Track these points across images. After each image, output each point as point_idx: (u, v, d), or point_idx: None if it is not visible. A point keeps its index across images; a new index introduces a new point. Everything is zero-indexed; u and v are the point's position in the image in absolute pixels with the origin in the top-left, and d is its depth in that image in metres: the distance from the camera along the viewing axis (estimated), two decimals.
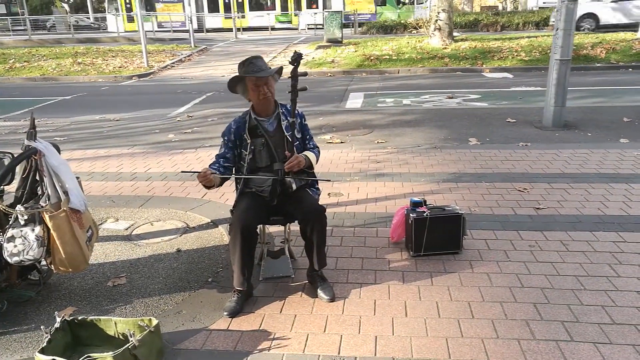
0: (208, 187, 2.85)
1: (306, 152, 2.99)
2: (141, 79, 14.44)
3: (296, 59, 2.79)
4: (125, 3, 29.51)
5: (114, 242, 3.80)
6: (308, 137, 3.12)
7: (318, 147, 3.15)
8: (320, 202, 4.08)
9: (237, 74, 2.88)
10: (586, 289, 2.88)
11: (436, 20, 15.76)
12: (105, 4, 32.46)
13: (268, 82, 2.86)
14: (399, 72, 13.48)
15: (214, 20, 29.24)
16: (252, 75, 2.80)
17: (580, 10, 18.13)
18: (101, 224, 4.11)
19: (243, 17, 28.39)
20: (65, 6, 37.25)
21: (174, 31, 27.01)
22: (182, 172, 3.06)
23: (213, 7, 29.54)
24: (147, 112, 9.24)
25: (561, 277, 3.01)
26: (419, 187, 4.66)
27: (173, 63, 16.75)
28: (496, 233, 3.64)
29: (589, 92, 9.59)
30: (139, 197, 4.68)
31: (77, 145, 6.77)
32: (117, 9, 29.93)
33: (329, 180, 3.57)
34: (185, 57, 17.83)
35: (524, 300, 2.78)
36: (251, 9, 29.85)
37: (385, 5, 28.40)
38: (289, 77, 2.90)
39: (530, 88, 10.27)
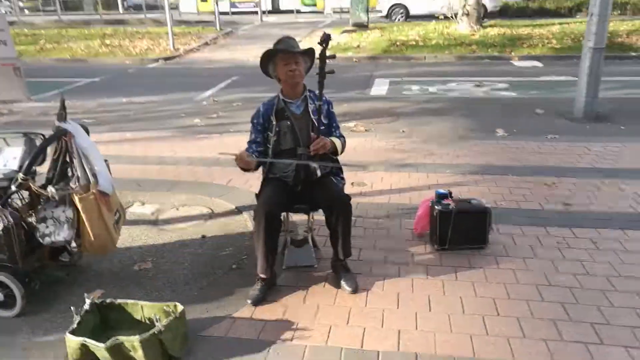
0: (245, 170, 2.87)
1: (332, 138, 2.97)
2: (167, 61, 14.51)
3: (325, 39, 2.74)
4: None
5: (141, 226, 3.87)
6: (334, 125, 3.09)
7: (344, 137, 3.12)
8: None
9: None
10: (617, 289, 2.81)
11: (464, 5, 15.40)
12: None
13: (298, 61, 2.85)
14: (425, 59, 13.25)
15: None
16: (283, 50, 2.80)
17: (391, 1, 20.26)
18: (128, 207, 4.17)
19: None
20: None
21: (240, 13, 26.30)
22: (220, 153, 3.02)
23: None
24: (173, 96, 9.30)
25: (590, 277, 2.95)
26: (444, 179, 4.60)
27: (199, 46, 16.78)
28: (523, 228, 3.58)
29: (623, 82, 9.29)
30: (165, 182, 4.74)
31: (104, 128, 6.87)
32: None
33: (362, 167, 3.52)
34: (210, 40, 17.84)
35: (551, 299, 2.74)
36: None
37: None
38: (317, 59, 2.86)
39: (561, 77, 9.99)
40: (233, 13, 25.95)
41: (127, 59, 14.67)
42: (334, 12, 25.97)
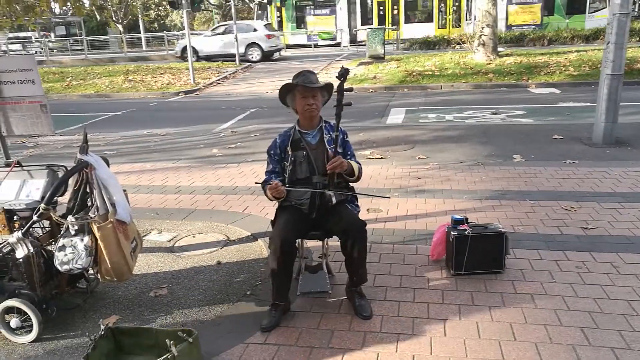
0: (277, 199, 2.90)
1: (349, 160, 2.99)
2: (187, 95, 14.90)
3: (343, 74, 2.84)
4: (276, 17, 28.61)
5: (157, 253, 3.91)
6: (350, 152, 3.12)
7: (360, 164, 3.13)
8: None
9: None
10: (639, 314, 2.73)
11: (480, 36, 15.55)
12: (254, 16, 32.84)
13: (316, 95, 2.91)
14: (441, 88, 13.34)
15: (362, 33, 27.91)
16: (303, 85, 2.87)
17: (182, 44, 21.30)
18: (145, 235, 4.24)
19: (396, 29, 26.57)
20: (119, 27, 39.08)
21: (319, 46, 26.55)
22: (256, 183, 3.11)
23: (366, 19, 27.94)
24: (193, 128, 9.51)
25: (611, 301, 2.87)
26: (461, 205, 4.57)
27: (218, 80, 17.21)
28: (541, 253, 3.52)
29: None
30: (182, 210, 4.81)
31: (125, 159, 7.04)
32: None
33: (388, 197, 3.51)
34: (230, 74, 18.29)
35: (571, 324, 2.67)
36: (407, 20, 27.89)
37: (552, 15, 25.84)
38: (335, 92, 2.94)
39: (578, 104, 9.93)
40: (315, 46, 26.76)
41: (149, 93, 15.11)
42: (351, 45, 26.42)
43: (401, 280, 3.23)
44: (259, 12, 37.97)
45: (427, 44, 22.97)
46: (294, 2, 28.36)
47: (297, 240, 2.96)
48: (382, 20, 28.17)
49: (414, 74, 14.54)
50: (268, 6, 29.13)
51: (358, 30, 27.56)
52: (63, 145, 8.25)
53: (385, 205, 4.64)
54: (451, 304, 2.91)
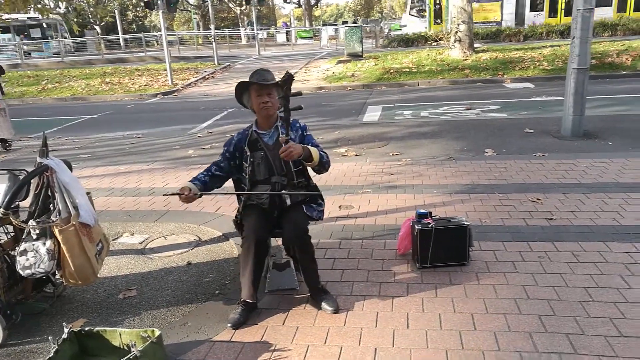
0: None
1: (307, 146, 2.90)
2: (165, 96, 14.81)
3: (286, 80, 2.70)
4: (435, 3, 26.91)
5: (128, 255, 3.91)
6: (311, 144, 3.08)
7: (326, 153, 3.08)
8: (329, 215, 4.11)
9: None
10: (595, 300, 2.82)
11: (456, 32, 15.72)
12: (407, 5, 31.85)
13: (271, 93, 2.91)
14: (418, 85, 13.46)
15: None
16: (256, 83, 2.87)
17: None
18: (117, 238, 4.22)
19: (555, 16, 25.12)
20: (97, 28, 38.58)
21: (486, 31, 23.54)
22: (164, 195, 3.19)
23: (536, 5, 26.15)
24: (169, 129, 9.47)
25: (569, 289, 2.96)
26: (431, 199, 4.64)
27: (197, 80, 17.14)
28: (505, 244, 3.60)
29: (612, 100, 9.39)
30: (155, 212, 4.80)
31: (100, 162, 6.99)
32: (422, 11, 28.09)
33: (318, 193, 3.41)
34: (208, 75, 18.22)
35: (529, 312, 2.74)
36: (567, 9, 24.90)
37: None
38: (279, 97, 2.85)
39: (551, 98, 10.12)
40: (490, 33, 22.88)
41: (126, 95, 14.99)
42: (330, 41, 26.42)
43: (368, 275, 3.28)
44: (242, 16, 37.77)
45: (406, 41, 23.16)
46: None
47: (268, 238, 3.00)
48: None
49: (392, 71, 14.65)
50: None
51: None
52: (36, 150, 8.14)
53: (357, 201, 4.69)
54: (415, 297, 2.97)
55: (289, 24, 45.57)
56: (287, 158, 2.74)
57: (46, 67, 24.70)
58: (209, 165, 3.06)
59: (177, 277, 3.48)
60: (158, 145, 8.01)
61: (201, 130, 9.11)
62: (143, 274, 3.58)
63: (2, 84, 7.71)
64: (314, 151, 2.88)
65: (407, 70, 14.66)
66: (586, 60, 6.33)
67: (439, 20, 26.78)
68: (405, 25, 29.50)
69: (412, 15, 29.86)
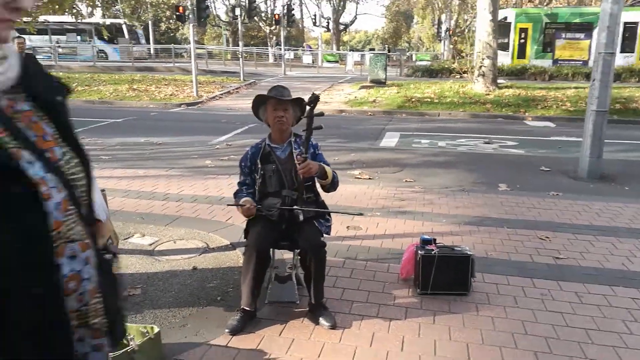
0: (248, 217, 3.02)
1: (321, 163, 3.02)
2: (189, 107, 15.11)
3: (313, 100, 2.86)
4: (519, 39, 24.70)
5: (137, 255, 3.99)
6: (322, 162, 3.17)
7: (336, 173, 3.19)
8: (337, 234, 4.16)
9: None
10: (594, 342, 2.80)
11: (480, 67, 15.82)
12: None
13: (287, 109, 3.01)
14: (439, 115, 13.54)
15: None
16: (274, 97, 2.97)
17: None
18: (128, 238, 4.32)
19: None
20: (127, 36, 39.57)
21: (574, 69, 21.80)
22: (228, 205, 3.22)
23: (624, 47, 22.71)
24: (190, 139, 9.66)
25: (569, 329, 2.94)
26: (439, 228, 4.66)
27: (221, 94, 17.47)
28: (509, 278, 3.60)
29: (633, 145, 9.34)
30: (167, 216, 4.90)
31: (119, 165, 7.16)
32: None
33: (360, 214, 3.55)
34: (233, 90, 18.56)
35: (526, 347, 2.74)
36: None
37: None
38: (305, 117, 2.97)
39: (571, 138, 10.08)
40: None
41: (151, 103, 15.33)
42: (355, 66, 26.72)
43: (368, 296, 3.30)
44: (270, 36, 38.48)
45: (430, 72, 23.33)
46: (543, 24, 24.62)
47: (270, 249, 3.06)
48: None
49: (413, 100, 14.77)
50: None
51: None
52: None
53: (365, 223, 4.73)
54: (413, 321, 2.99)
55: (312, 47, 46.27)
56: (305, 175, 2.85)
57: (78, 70, 25.43)
58: (237, 188, 3.14)
59: (182, 280, 3.55)
60: (177, 153, 8.18)
61: (220, 143, 9.28)
62: (149, 274, 3.66)
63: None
64: (328, 170, 3.01)
65: (429, 100, 14.77)
66: (605, 103, 6.35)
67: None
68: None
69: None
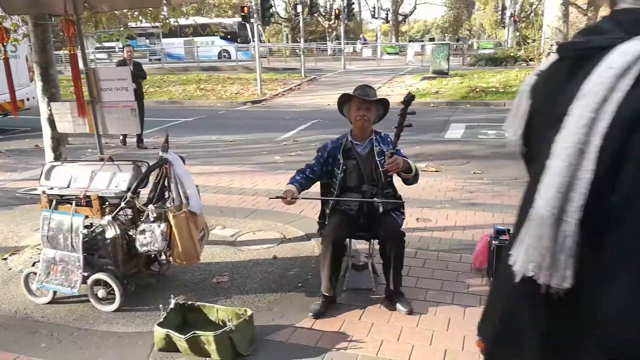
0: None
1: (408, 160, 3.14)
2: (254, 105, 15.62)
3: (408, 99, 2.94)
4: None
5: (221, 246, 4.32)
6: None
7: (417, 166, 3.31)
8: (407, 226, 4.28)
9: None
10: None
11: (549, 53, 15.21)
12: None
13: (369, 108, 3.17)
14: (504, 105, 13.19)
15: None
16: (358, 97, 3.14)
17: None
18: (211, 229, 4.65)
19: None
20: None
21: None
22: (270, 198, 3.48)
23: None
24: (258, 136, 10.05)
25: None
26: (510, 219, 4.64)
27: (284, 91, 17.90)
28: None
29: None
30: (244, 210, 5.22)
31: (195, 162, 7.60)
32: None
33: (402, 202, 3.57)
34: (295, 86, 18.95)
35: None
36: None
37: None
38: (398, 115, 3.03)
39: None
40: None
41: (218, 101, 15.98)
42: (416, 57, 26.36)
43: (442, 285, 3.42)
44: (329, 30, 38.46)
45: (494, 61, 22.65)
46: None
47: (346, 239, 3.26)
48: None
49: (477, 90, 14.48)
50: None
51: None
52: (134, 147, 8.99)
53: (435, 215, 4.82)
54: None
55: (367, 39, 45.92)
56: (392, 170, 2.99)
57: (148, 72, 26.79)
58: (303, 167, 3.35)
59: (264, 268, 3.82)
60: (247, 150, 8.56)
61: (287, 139, 9.59)
62: (234, 262, 3.96)
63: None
64: (412, 164, 3.14)
65: (494, 89, 14.43)
66: None
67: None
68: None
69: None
